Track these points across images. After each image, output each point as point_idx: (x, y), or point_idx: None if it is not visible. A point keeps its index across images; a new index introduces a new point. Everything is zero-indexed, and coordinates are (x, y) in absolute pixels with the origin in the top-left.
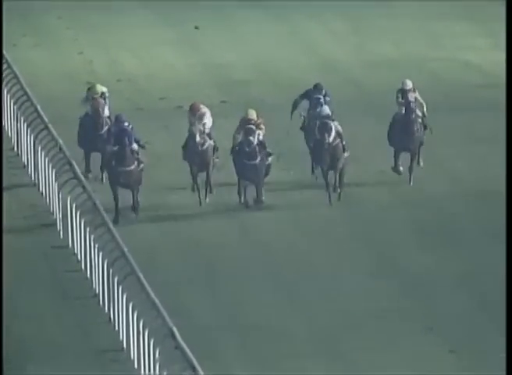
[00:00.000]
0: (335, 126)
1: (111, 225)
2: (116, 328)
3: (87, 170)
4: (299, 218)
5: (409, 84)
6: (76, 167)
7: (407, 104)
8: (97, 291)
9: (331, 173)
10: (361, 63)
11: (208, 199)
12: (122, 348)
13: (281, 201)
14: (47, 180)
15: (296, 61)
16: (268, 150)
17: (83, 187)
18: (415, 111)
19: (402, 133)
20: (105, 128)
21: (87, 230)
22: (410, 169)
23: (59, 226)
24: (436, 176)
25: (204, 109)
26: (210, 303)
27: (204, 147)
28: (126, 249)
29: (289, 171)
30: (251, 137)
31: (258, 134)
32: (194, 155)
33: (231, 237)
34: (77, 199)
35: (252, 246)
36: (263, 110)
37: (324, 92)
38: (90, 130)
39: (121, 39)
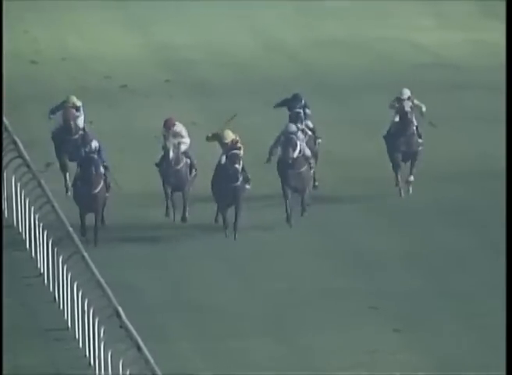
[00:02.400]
0: (302, 147)
1: (55, 203)
2: (61, 307)
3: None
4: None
5: (405, 93)
6: (20, 146)
7: (404, 116)
8: (41, 271)
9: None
10: (309, 43)
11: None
12: (67, 327)
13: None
14: None
15: (244, 41)
16: (247, 174)
17: (28, 166)
18: (412, 122)
19: (401, 144)
20: (78, 135)
21: (32, 209)
22: (409, 179)
23: (3, 205)
24: (386, 157)
25: (179, 127)
26: (157, 283)
27: (179, 166)
28: (70, 229)
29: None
30: (237, 165)
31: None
32: (169, 175)
33: (183, 228)
34: (22, 179)
35: (203, 230)
36: (208, 90)
37: (303, 103)
38: (63, 139)
39: (66, 18)
